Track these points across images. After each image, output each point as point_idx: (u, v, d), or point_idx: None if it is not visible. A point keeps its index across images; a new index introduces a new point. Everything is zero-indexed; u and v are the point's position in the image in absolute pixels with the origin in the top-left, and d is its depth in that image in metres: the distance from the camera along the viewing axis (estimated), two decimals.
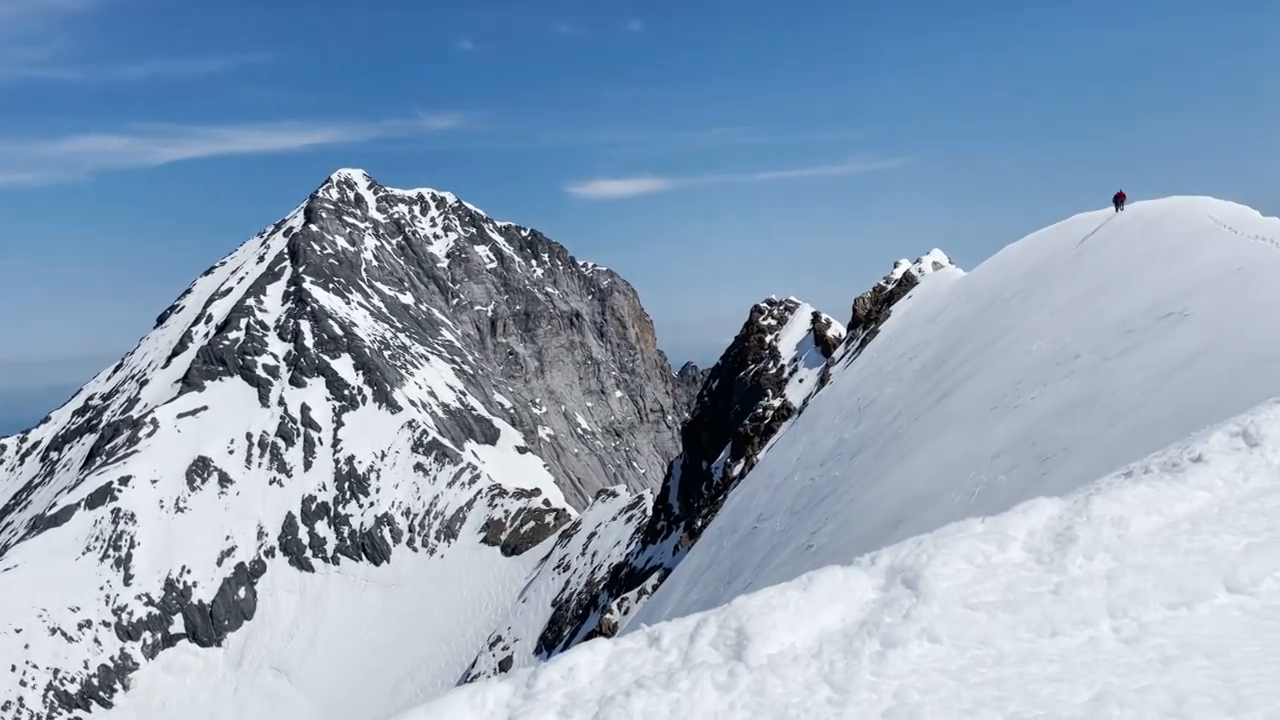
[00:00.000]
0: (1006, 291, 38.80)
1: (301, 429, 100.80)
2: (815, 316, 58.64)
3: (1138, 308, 26.04)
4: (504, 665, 62.03)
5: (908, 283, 53.16)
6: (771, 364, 57.97)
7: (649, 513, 66.74)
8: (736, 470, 51.59)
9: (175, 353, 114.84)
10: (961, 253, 56.21)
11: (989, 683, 3.90)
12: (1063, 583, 4.53)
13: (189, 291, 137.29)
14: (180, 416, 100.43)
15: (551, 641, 61.15)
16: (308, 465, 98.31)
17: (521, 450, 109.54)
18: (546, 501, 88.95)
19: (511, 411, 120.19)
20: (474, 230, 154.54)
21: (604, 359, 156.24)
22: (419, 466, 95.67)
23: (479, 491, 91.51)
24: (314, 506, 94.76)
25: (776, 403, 53.16)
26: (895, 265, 55.97)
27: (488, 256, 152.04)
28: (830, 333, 56.52)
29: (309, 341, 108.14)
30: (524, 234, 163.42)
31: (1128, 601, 4.44)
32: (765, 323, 62.06)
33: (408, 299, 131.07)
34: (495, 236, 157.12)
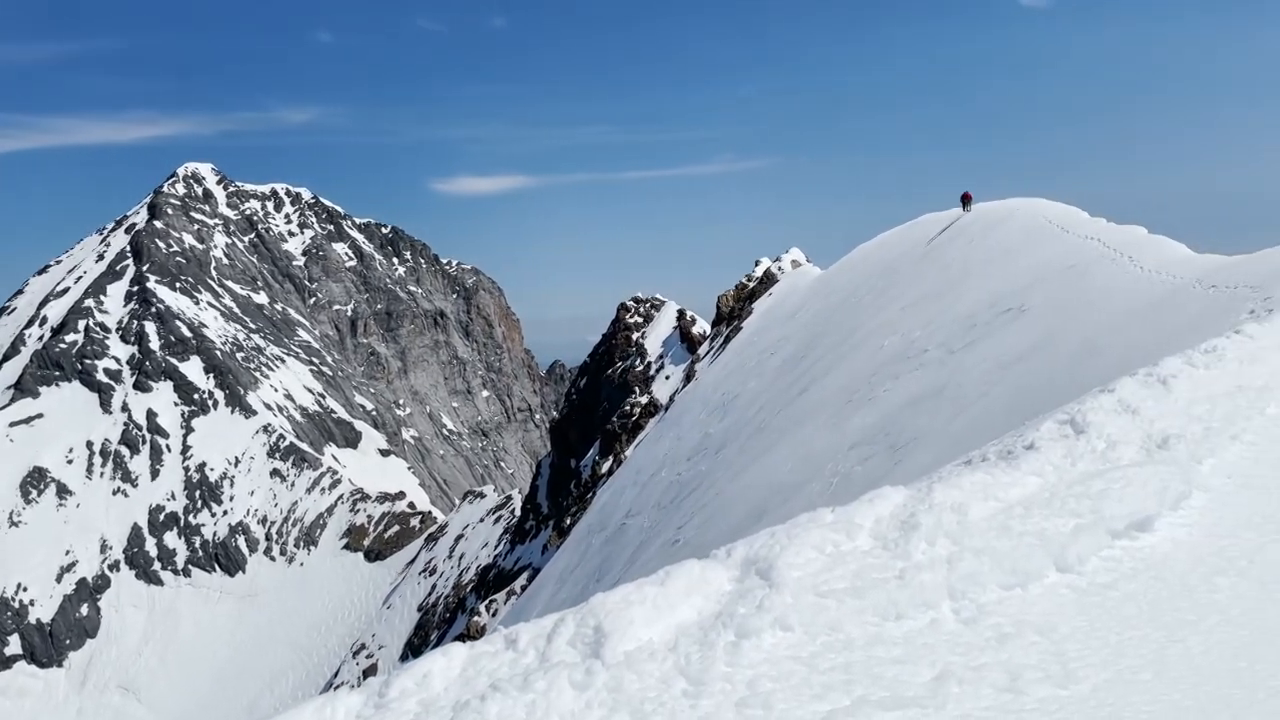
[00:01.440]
0: (860, 289, 40.17)
1: (148, 436, 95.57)
2: (681, 314, 59.40)
3: (980, 303, 27.40)
4: (368, 673, 60.40)
5: (768, 280, 54.48)
6: (639, 361, 58.42)
7: (517, 513, 66.24)
8: (605, 468, 51.76)
9: (6, 357, 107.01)
10: (818, 251, 58.03)
11: (838, 667, 4.02)
12: (907, 568, 4.72)
13: (20, 292, 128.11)
14: (13, 425, 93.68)
15: (418, 647, 59.93)
16: (155, 474, 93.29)
17: (385, 453, 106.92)
18: (411, 505, 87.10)
19: (374, 414, 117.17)
20: (332, 227, 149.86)
21: (470, 358, 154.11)
22: (276, 472, 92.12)
23: (340, 497, 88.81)
24: (162, 517, 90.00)
25: (644, 400, 53.60)
26: (757, 264, 57.26)
27: (346, 254, 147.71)
28: (695, 330, 57.36)
29: (154, 344, 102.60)
30: (385, 231, 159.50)
31: (966, 584, 4.66)
32: (632, 320, 62.48)
33: (261, 298, 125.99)
34: (354, 234, 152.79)
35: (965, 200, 41.46)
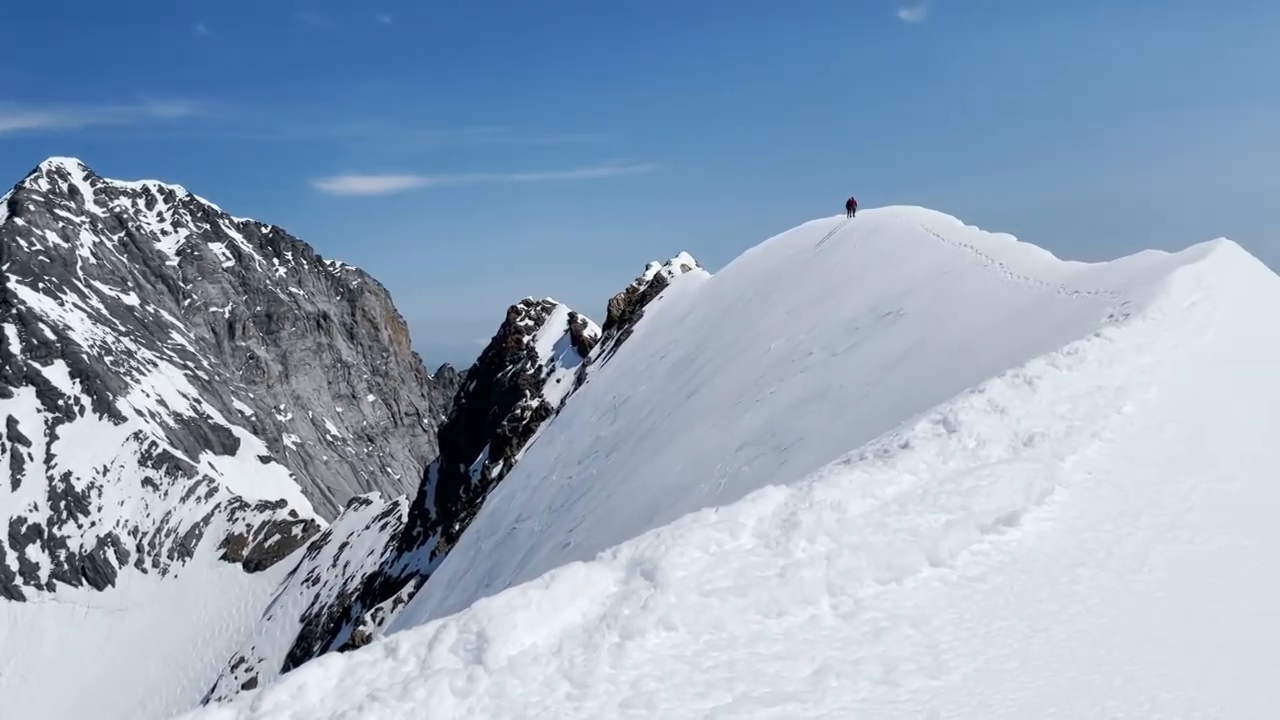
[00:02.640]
0: (748, 293, 40.87)
1: (8, 444, 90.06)
2: (572, 317, 59.33)
3: (862, 308, 28.21)
4: (248, 687, 58.24)
5: (659, 284, 54.92)
6: (529, 364, 58.06)
7: (404, 519, 64.96)
8: (495, 472, 51.25)
9: None
10: (707, 255, 58.80)
11: (721, 665, 4.07)
12: (788, 565, 4.81)
13: None
14: None
15: (300, 659, 58.11)
16: (15, 484, 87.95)
17: (265, 460, 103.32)
18: (293, 513, 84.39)
19: (253, 419, 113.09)
20: (208, 226, 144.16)
21: (354, 362, 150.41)
22: (148, 481, 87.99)
23: (217, 505, 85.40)
24: (24, 529, 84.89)
25: (534, 403, 53.30)
26: (647, 267, 57.66)
27: (224, 254, 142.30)
28: (586, 333, 57.36)
29: (15, 347, 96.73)
30: (265, 231, 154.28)
31: (844, 579, 4.78)
32: (523, 323, 62.07)
33: (132, 300, 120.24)
34: (232, 233, 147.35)
35: (850, 206, 42.66)
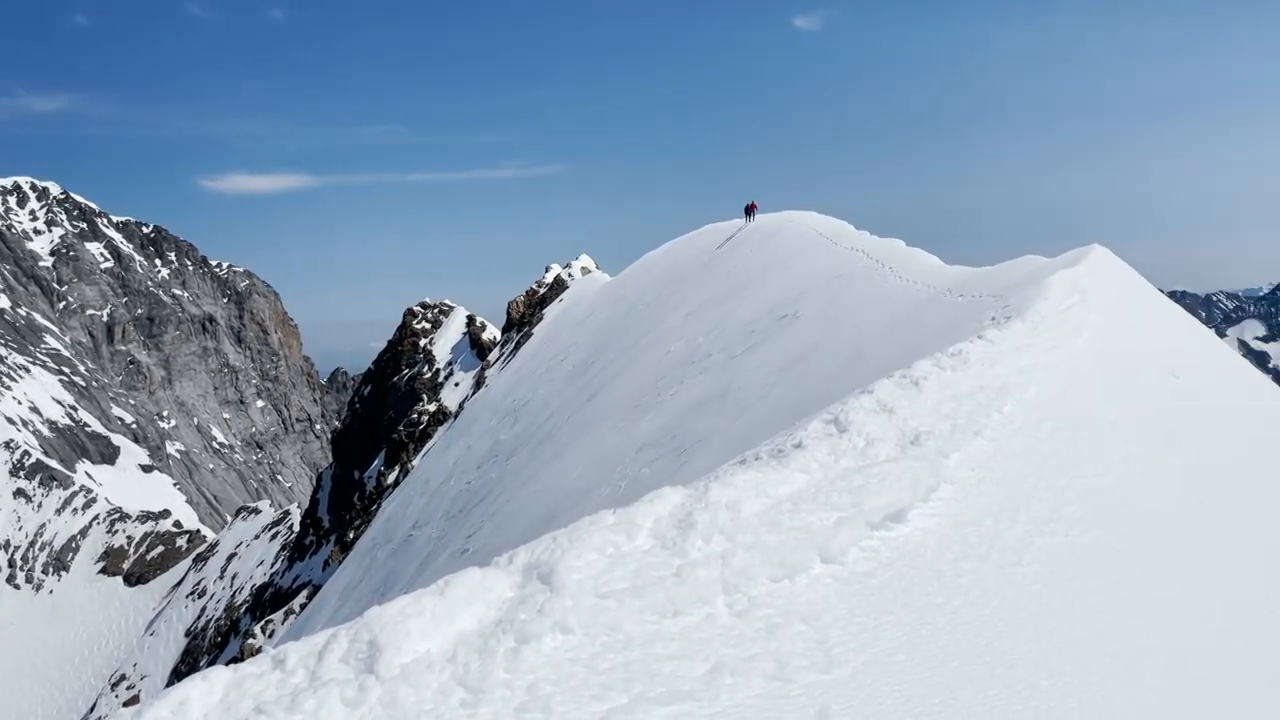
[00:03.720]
0: (648, 296, 41.09)
1: None
2: (470, 319, 58.66)
3: (759, 310, 28.66)
4: (129, 705, 55.57)
5: (559, 287, 54.77)
6: (426, 368, 57.16)
7: (296, 528, 63.14)
8: (391, 478, 50.28)
9: None
10: (607, 258, 58.95)
11: (617, 666, 4.08)
12: (683, 565, 4.85)
13: None
14: None
15: (186, 675, 55.84)
16: None
17: (147, 469, 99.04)
18: (178, 523, 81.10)
19: (134, 427, 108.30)
20: (85, 225, 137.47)
21: (243, 366, 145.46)
22: (20, 492, 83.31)
23: (95, 517, 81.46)
24: None
25: (432, 407, 52.50)
26: (547, 269, 57.45)
27: (102, 255, 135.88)
28: (485, 335, 56.79)
29: None
30: (146, 230, 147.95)
31: (739, 578, 4.85)
32: (420, 326, 61.06)
33: (2, 302, 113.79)
34: (111, 233, 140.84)
35: (749, 210, 43.32)
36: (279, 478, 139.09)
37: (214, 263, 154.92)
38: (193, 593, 66.42)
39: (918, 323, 18.56)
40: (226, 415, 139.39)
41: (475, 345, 56.47)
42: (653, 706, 3.83)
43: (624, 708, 3.80)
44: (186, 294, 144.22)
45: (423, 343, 59.75)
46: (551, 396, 37.07)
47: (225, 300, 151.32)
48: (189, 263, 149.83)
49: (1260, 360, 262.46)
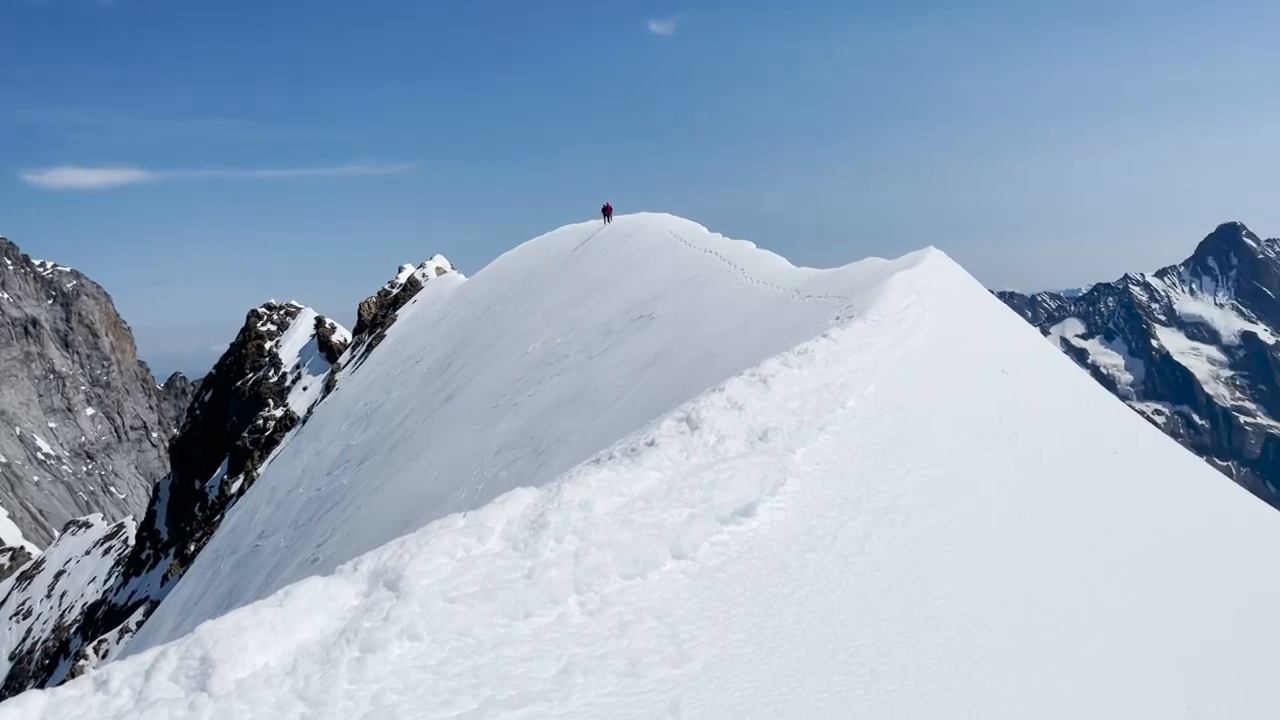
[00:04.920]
0: (505, 296, 40.81)
1: None
2: (319, 321, 56.77)
3: (616, 311, 28.87)
4: None
5: (412, 287, 53.67)
6: (272, 372, 54.96)
7: (131, 542, 59.60)
8: (235, 487, 48.11)
9: None
10: (462, 258, 58.17)
11: (466, 671, 4.03)
12: (535, 566, 4.83)
13: None
14: None
15: None
16: None
17: None
18: None
19: None
20: None
21: (70, 372, 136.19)
22: None
23: None
24: None
25: (279, 412, 50.52)
26: (400, 270, 56.23)
27: None
28: (335, 338, 55.08)
29: None
30: None
31: (591, 577, 4.86)
32: (265, 328, 58.65)
33: None
34: None
35: (606, 212, 43.59)
36: (112, 489, 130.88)
37: (37, 262, 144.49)
38: (17, 614, 61.83)
39: (768, 322, 19.09)
40: (53, 424, 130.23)
41: (324, 348, 54.68)
42: (503, 710, 3.79)
43: (473, 713, 3.74)
44: (6, 295, 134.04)
45: (268, 345, 57.43)
46: (406, 399, 36.33)
47: (50, 302, 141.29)
48: (9, 262, 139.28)
49: (1080, 356, 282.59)
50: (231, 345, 60.25)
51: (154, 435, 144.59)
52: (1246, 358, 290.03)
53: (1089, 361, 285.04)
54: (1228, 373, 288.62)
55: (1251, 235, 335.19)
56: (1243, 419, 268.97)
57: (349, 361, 50.51)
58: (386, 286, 54.87)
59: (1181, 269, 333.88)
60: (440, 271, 55.27)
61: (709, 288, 25.78)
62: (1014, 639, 6.05)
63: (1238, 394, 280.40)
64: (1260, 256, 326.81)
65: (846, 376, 9.68)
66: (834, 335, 11.31)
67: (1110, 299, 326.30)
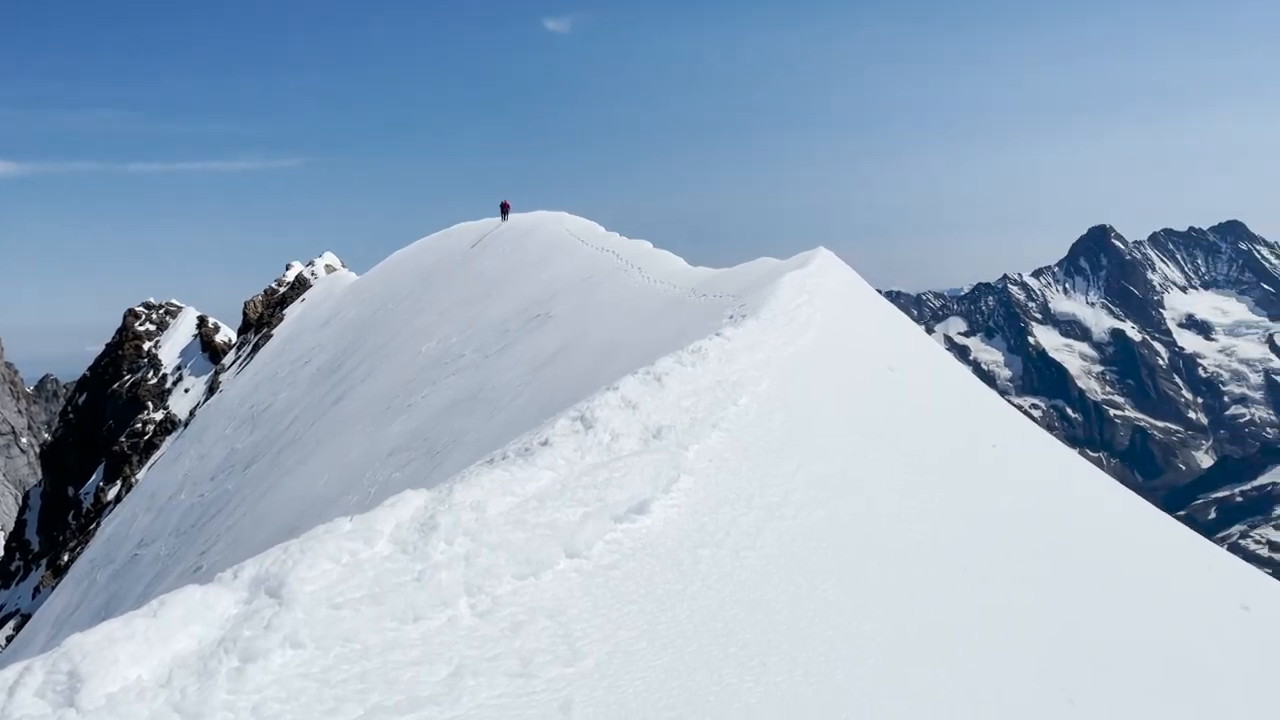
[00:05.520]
0: (398, 295, 40.11)
1: None
2: (202, 321, 54.74)
3: (512, 310, 28.70)
4: None
5: (301, 285, 52.26)
6: (151, 373, 52.74)
7: (0, 553, 56.40)
8: (112, 494, 46.02)
9: None
10: (353, 256, 56.85)
11: (352, 678, 3.94)
12: (425, 569, 4.76)
13: None
14: None
15: None
16: None
17: None
18: None
19: None
20: None
21: None
22: None
23: None
24: None
25: (158, 415, 48.53)
26: (288, 267, 54.66)
27: None
28: (219, 338, 53.23)
29: None
30: None
31: (483, 578, 4.82)
32: (143, 328, 56.24)
33: None
34: None
35: (503, 210, 43.25)
36: None
37: None
38: None
39: (664, 322, 19.25)
40: None
41: (207, 348, 52.77)
42: (390, 715, 3.72)
43: (359, 719, 3.67)
44: None
45: (147, 346, 55.10)
46: (294, 400, 35.39)
47: None
48: None
49: (962, 353, 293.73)
50: (107, 346, 57.58)
51: (23, 441, 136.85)
52: (1115, 354, 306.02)
53: (971, 358, 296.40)
54: (1098, 368, 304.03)
55: (1120, 237, 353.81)
56: (1112, 412, 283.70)
57: (234, 362, 48.86)
58: (274, 285, 53.26)
59: (1056, 269, 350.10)
60: (330, 269, 53.91)
61: (606, 287, 25.86)
62: (899, 630, 6.24)
63: (1108, 388, 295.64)
64: (1128, 258, 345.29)
65: (739, 374, 9.83)
66: (727, 334, 11.48)
67: (990, 298, 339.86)
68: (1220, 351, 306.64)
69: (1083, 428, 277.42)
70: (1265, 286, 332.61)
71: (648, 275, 25.36)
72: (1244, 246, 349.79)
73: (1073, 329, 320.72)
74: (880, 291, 26.64)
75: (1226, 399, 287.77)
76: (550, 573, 5.17)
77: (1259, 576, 14.85)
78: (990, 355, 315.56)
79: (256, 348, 47.36)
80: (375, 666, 4.01)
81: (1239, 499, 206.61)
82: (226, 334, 53.83)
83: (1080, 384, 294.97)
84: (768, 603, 5.78)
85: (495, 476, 5.84)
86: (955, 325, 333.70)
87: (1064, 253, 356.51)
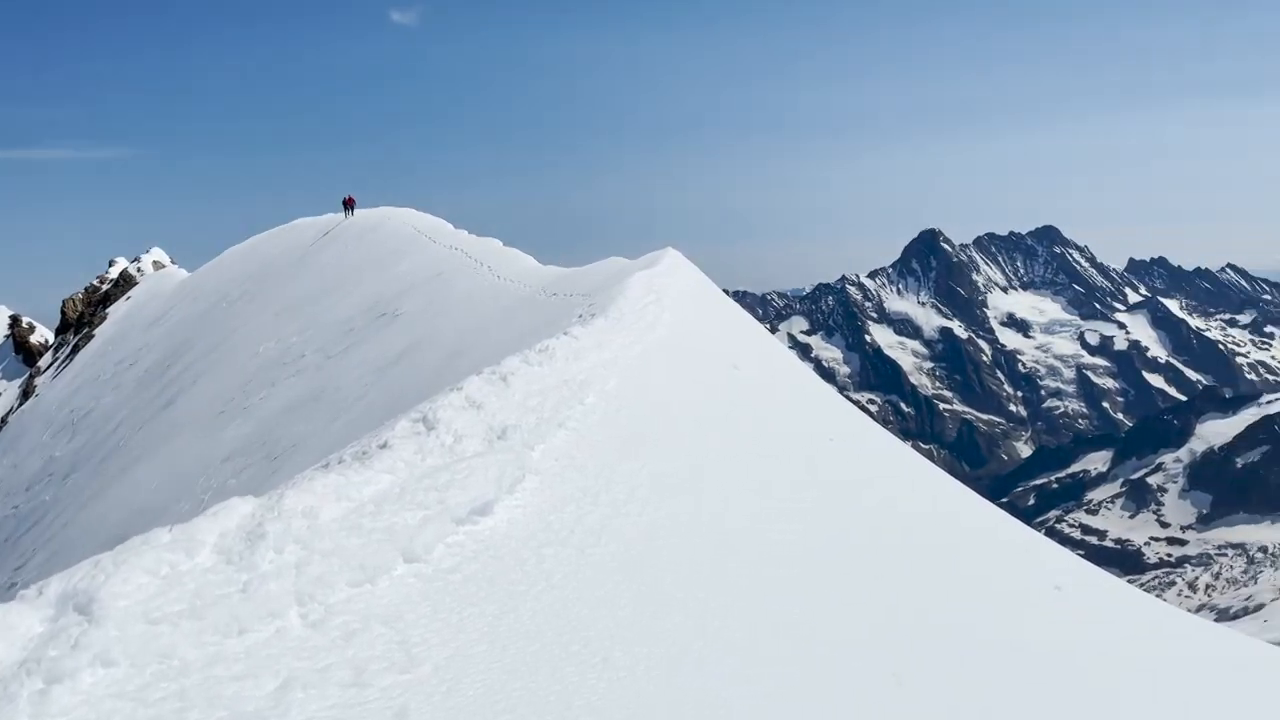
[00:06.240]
0: (233, 293, 38.42)
1: None
2: (14, 320, 50.93)
3: (357, 308, 27.94)
4: None
5: (126, 283, 49.28)
6: None
7: None
8: None
9: None
10: (184, 252, 53.95)
11: (171, 695, 3.74)
12: (252, 580, 4.57)
13: None
14: None
15: None
16: None
17: None
18: None
19: None
20: None
21: None
22: None
23: None
24: None
25: None
26: (111, 264, 51.44)
27: None
28: (34, 338, 49.63)
29: None
30: None
31: (315, 587, 4.66)
32: None
33: None
34: None
35: (348, 205, 41.97)
36: None
37: None
38: None
39: (514, 321, 19.13)
40: None
41: (21, 349, 49.09)
42: None
43: None
44: None
45: None
46: (120, 405, 33.40)
47: None
48: None
49: (804, 351, 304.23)
50: None
51: None
52: (944, 351, 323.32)
53: (812, 356, 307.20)
54: (929, 364, 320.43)
55: (948, 241, 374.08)
56: (942, 406, 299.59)
57: (51, 364, 45.61)
58: (95, 282, 49.98)
59: (890, 270, 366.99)
60: (158, 266, 51.00)
61: (455, 285, 25.49)
62: (740, 621, 6.40)
63: (937, 384, 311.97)
64: (955, 260, 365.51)
65: (587, 373, 9.86)
66: (575, 333, 11.50)
67: (830, 298, 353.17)
68: (1037, 348, 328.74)
69: (915, 421, 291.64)
70: (1076, 287, 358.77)
71: (498, 274, 25.15)
72: (1058, 250, 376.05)
73: (905, 327, 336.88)
74: (727, 292, 27.26)
75: (1043, 392, 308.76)
76: (387, 578, 5.04)
77: (1071, 558, 16.03)
78: (830, 353, 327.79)
79: (76, 349, 44.38)
80: (196, 683, 3.82)
81: (1055, 486, 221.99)
82: (43, 334, 50.24)
83: (913, 379, 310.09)
84: (612, 599, 5.82)
85: (329, 481, 5.65)
86: (798, 324, 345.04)
87: (897, 255, 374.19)
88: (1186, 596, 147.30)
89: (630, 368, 10.90)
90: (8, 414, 43.72)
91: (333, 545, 4.98)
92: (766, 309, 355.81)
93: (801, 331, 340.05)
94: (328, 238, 39.23)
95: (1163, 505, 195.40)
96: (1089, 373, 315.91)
